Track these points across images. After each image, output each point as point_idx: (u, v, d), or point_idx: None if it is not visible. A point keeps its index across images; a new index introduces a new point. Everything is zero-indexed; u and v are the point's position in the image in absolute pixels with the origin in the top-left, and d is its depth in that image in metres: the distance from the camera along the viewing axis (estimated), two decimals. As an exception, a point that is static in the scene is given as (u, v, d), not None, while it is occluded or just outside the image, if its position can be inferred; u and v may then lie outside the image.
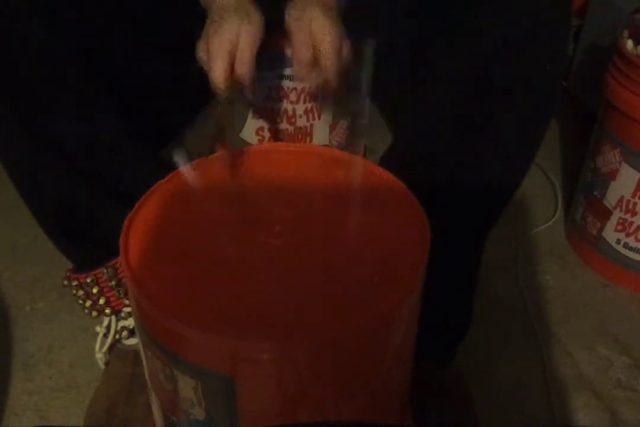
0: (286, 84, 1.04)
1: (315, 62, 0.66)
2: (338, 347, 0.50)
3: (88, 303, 0.81)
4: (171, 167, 0.63)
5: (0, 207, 1.17)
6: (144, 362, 0.60)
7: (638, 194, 0.97)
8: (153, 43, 0.74)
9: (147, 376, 0.61)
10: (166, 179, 0.62)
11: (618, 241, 1.03)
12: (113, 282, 0.79)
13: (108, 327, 0.85)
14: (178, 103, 0.80)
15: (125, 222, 0.57)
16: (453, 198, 0.69)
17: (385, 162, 0.74)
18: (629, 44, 0.94)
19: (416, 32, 0.71)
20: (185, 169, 0.61)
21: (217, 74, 0.65)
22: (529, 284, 1.06)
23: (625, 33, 0.96)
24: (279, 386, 0.52)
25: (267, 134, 1.10)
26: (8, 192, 1.20)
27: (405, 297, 0.52)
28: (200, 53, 0.68)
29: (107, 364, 0.87)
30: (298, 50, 0.67)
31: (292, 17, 0.67)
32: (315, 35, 0.65)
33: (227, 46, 0.65)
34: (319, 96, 0.70)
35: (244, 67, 0.66)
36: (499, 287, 1.04)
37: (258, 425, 0.54)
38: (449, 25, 0.67)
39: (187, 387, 0.54)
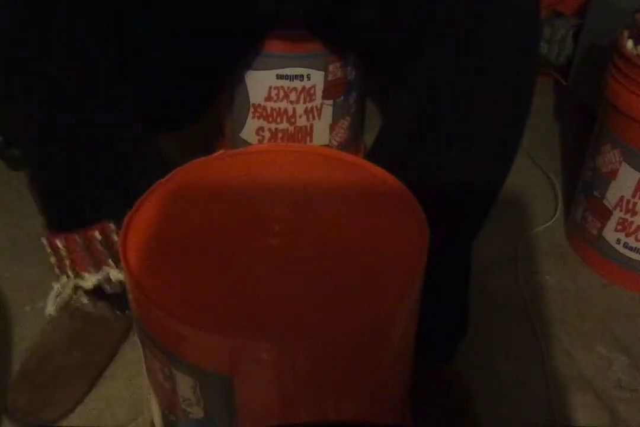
0: (286, 84, 1.04)
1: None
2: (337, 346, 0.50)
3: (53, 260, 0.83)
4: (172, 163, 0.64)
5: (0, 207, 1.17)
6: (143, 361, 0.60)
7: (638, 193, 0.97)
8: (173, 24, 0.74)
9: (146, 375, 0.61)
10: (166, 178, 0.62)
11: (618, 241, 1.03)
12: (83, 252, 0.80)
13: (64, 286, 0.87)
14: (190, 90, 0.81)
15: (125, 222, 0.57)
16: (437, 196, 0.69)
17: (370, 158, 0.75)
18: (629, 44, 0.94)
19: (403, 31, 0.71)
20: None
21: None
22: (529, 284, 1.05)
23: (625, 33, 0.96)
24: (278, 385, 0.52)
25: (267, 134, 1.10)
26: (8, 193, 1.20)
27: (405, 296, 0.52)
28: None
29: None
30: None
31: None
32: None
33: None
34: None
35: None
36: (499, 286, 1.04)
37: (257, 424, 0.54)
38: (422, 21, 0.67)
39: (185, 386, 0.54)
